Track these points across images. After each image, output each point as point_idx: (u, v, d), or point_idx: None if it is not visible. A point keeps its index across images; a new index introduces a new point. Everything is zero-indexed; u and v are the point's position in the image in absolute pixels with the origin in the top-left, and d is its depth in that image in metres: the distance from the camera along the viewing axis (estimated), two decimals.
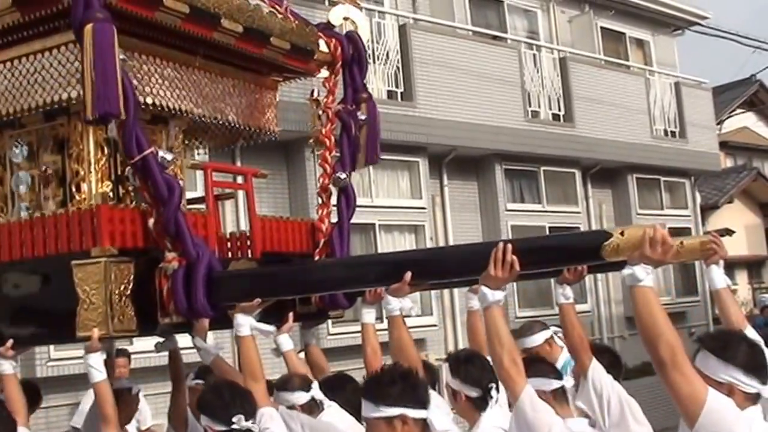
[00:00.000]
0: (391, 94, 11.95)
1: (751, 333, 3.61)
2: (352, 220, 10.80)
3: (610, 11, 16.53)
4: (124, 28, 3.69)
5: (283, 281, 3.72)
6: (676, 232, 16.39)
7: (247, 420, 3.59)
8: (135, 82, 3.72)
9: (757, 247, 24.90)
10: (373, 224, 11.49)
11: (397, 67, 11.95)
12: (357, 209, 10.76)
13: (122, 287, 3.55)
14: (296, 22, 4.46)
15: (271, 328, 3.83)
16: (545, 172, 13.86)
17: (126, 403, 4.48)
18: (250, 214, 4.30)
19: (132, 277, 3.59)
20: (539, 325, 5.72)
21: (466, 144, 12.47)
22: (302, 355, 6.00)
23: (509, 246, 2.96)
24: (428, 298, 11.39)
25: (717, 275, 3.89)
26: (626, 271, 2.72)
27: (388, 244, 11.72)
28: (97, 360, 3.66)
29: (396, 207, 11.77)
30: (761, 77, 25.48)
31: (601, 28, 16.43)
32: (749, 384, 2.84)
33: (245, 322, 3.63)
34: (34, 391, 5.02)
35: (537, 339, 5.59)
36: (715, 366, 2.83)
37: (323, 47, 4.61)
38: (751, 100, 26.86)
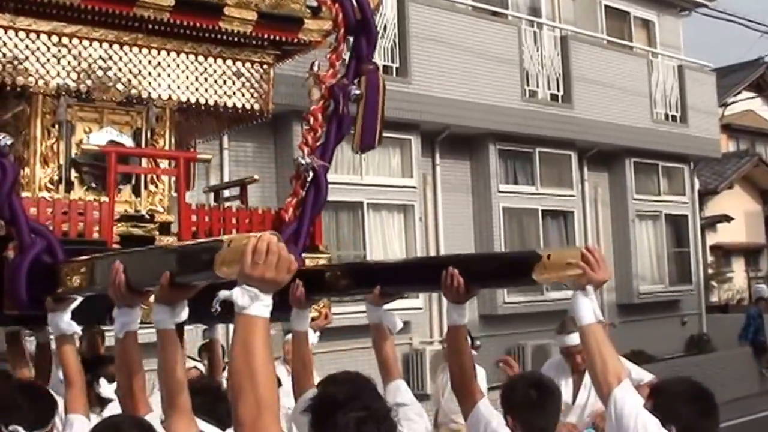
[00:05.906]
0: (386, 69, 11.63)
1: (627, 389, 2.80)
2: (339, 198, 10.72)
3: None
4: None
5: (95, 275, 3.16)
6: (672, 218, 16.19)
7: (33, 429, 3.29)
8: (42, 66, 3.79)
9: (755, 234, 24.64)
10: (361, 203, 11.25)
11: (394, 42, 11.65)
12: (345, 187, 10.77)
13: None
14: None
15: (76, 327, 3.24)
16: (540, 154, 13.57)
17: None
18: (179, 200, 4.05)
19: None
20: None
21: (460, 122, 12.20)
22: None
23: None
24: None
25: (583, 307, 2.76)
26: (223, 293, 2.06)
27: (376, 223, 11.49)
28: None
29: (386, 185, 11.51)
30: None
31: (606, 6, 16.04)
32: None
33: (54, 321, 3.17)
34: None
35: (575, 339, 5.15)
36: None
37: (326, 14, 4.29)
38: (758, 83, 26.50)
